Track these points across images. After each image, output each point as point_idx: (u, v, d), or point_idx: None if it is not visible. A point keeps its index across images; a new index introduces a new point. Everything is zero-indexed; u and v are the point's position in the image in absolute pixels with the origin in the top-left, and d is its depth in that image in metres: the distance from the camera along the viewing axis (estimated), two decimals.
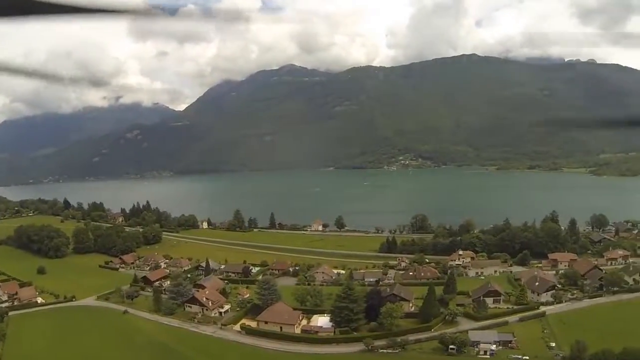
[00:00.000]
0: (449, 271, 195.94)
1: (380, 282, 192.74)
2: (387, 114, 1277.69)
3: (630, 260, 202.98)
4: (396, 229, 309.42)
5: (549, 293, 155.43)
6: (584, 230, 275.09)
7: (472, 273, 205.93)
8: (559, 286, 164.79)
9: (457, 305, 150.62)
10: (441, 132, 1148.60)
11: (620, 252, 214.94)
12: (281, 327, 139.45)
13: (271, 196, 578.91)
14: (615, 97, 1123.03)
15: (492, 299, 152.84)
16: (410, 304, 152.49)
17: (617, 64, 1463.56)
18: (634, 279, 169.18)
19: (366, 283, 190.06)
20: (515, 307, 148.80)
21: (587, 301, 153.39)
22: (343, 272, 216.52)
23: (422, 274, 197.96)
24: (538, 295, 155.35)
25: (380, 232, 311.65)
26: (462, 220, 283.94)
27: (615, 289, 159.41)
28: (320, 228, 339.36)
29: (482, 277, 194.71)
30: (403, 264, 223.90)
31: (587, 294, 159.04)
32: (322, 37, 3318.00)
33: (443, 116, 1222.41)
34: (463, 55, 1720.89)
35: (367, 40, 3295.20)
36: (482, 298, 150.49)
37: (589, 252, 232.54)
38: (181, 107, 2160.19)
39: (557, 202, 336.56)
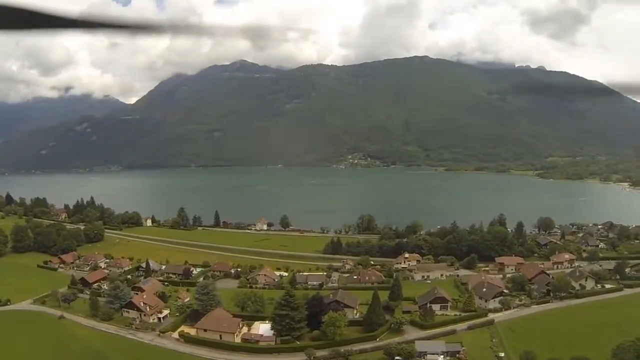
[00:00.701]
0: (394, 275, 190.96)
1: (324, 286, 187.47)
2: (337, 112, 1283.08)
3: (576, 264, 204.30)
4: (342, 229, 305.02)
5: (497, 299, 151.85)
6: (531, 233, 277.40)
7: (418, 277, 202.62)
8: (507, 291, 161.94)
9: (403, 312, 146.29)
10: (391, 132, 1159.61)
11: (567, 255, 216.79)
12: (221, 335, 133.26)
13: (217, 193, 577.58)
14: (561, 102, 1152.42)
15: (439, 305, 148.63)
16: (355, 311, 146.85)
17: (566, 72, 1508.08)
18: (580, 284, 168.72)
19: (309, 286, 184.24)
20: (463, 314, 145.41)
21: (535, 307, 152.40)
22: (286, 274, 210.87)
23: (367, 277, 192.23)
24: (486, 301, 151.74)
25: (325, 232, 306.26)
26: (409, 221, 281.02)
27: (562, 294, 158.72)
28: (265, 227, 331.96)
29: (429, 281, 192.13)
30: (347, 267, 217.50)
31: (534, 299, 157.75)
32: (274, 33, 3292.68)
33: (393, 116, 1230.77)
34: (415, 56, 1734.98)
35: (319, 38, 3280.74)
36: (428, 305, 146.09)
37: (536, 254, 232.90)
38: (132, 100, 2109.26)
39: (504, 204, 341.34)
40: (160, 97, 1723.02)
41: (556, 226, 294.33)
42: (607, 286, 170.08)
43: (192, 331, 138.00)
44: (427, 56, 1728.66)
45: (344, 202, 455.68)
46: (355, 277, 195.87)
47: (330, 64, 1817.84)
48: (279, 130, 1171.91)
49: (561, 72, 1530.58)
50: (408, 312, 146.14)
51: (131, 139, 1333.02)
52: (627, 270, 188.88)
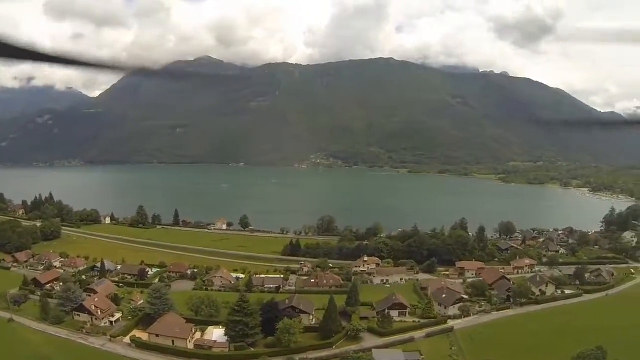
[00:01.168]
0: (352, 279, 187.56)
1: (281, 289, 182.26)
2: (300, 111, 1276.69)
3: (537, 269, 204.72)
4: (301, 231, 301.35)
5: (457, 306, 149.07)
6: (492, 237, 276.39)
7: (377, 280, 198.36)
8: (466, 297, 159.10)
9: (361, 318, 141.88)
10: (354, 132, 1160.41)
11: (527, 261, 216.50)
12: (173, 341, 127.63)
13: (178, 191, 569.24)
14: (524, 108, 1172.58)
15: (397, 311, 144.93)
16: (311, 317, 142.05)
17: (529, 79, 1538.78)
18: (540, 290, 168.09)
19: (266, 290, 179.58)
20: (422, 320, 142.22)
21: (495, 314, 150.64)
22: (243, 276, 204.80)
23: (325, 281, 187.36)
24: (446, 308, 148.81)
25: (285, 232, 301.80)
26: (370, 223, 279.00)
27: (522, 300, 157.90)
28: (224, 227, 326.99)
29: (388, 286, 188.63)
30: (306, 269, 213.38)
31: (495, 305, 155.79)
32: (240, 30, 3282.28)
33: (357, 117, 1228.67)
34: (380, 58, 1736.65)
35: (285, 36, 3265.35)
36: (387, 311, 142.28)
37: (496, 259, 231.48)
38: (95, 93, 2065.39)
39: (466, 208, 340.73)
40: (123, 92, 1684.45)
41: (517, 231, 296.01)
42: (567, 292, 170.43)
43: (144, 336, 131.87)
44: (392, 58, 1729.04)
45: (305, 203, 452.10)
46: (312, 280, 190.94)
47: (295, 63, 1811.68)
48: (242, 128, 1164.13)
49: (524, 78, 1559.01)
50: (366, 318, 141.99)
51: (93, 133, 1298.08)
52: (587, 275, 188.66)
